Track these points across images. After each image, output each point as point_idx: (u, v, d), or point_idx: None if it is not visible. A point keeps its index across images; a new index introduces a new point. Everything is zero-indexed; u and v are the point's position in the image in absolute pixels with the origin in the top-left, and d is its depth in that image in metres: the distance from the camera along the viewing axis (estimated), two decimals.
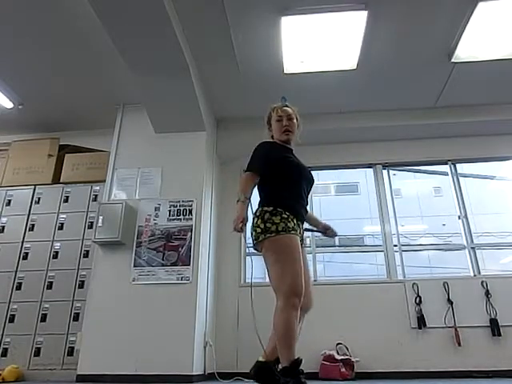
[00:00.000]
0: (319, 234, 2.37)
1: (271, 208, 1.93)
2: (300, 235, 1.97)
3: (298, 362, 1.71)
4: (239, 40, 3.25)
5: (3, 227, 3.88)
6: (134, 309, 3.22)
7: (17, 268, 3.69)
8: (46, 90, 3.88)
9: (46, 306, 3.52)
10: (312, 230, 2.34)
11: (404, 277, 3.94)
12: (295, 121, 2.22)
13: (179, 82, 3.38)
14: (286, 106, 2.25)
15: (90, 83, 3.79)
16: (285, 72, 3.55)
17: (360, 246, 11.49)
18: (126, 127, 4.01)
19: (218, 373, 3.36)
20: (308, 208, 2.17)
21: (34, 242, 3.78)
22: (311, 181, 2.18)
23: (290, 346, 1.72)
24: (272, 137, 2.25)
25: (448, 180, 4.37)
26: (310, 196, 2.21)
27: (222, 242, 4.12)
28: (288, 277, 1.79)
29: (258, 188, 2.09)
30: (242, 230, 1.89)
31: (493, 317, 3.53)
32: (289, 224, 1.89)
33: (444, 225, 9.55)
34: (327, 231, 2.30)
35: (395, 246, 4.08)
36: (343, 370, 3.28)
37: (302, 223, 2.05)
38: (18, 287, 3.61)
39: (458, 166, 4.39)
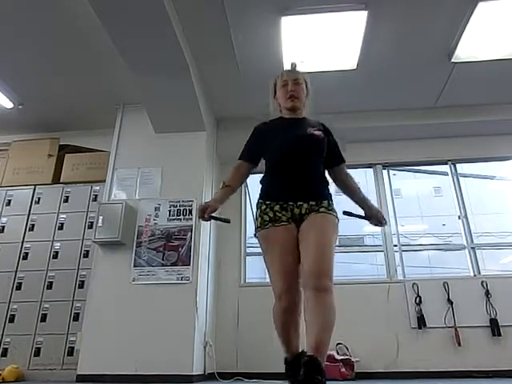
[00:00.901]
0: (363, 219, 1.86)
1: (257, 202, 1.82)
2: (297, 215, 1.71)
3: (301, 354, 1.68)
4: (239, 40, 3.25)
5: (3, 227, 3.88)
6: (134, 309, 3.21)
7: (17, 268, 3.68)
8: (46, 90, 3.88)
9: (46, 305, 3.52)
10: (352, 215, 1.86)
11: (404, 277, 3.94)
12: (304, 86, 1.92)
13: (179, 82, 3.38)
14: (294, 70, 1.97)
15: (90, 83, 3.78)
16: None
17: (360, 245, 11.46)
18: (126, 127, 4.01)
19: (218, 373, 3.36)
20: (345, 175, 2.01)
21: (34, 241, 3.77)
22: (308, 145, 1.82)
23: (285, 342, 1.74)
24: (280, 108, 1.96)
25: (448, 180, 4.37)
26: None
27: (221, 242, 4.12)
28: (271, 277, 1.74)
29: None
30: (204, 218, 1.71)
31: (493, 317, 3.53)
32: (265, 217, 1.71)
33: (444, 225, 9.54)
34: (373, 216, 1.85)
35: (395, 245, 4.07)
36: (343, 370, 3.27)
37: (302, 199, 1.73)
38: (18, 287, 3.61)
39: (458, 166, 4.39)
